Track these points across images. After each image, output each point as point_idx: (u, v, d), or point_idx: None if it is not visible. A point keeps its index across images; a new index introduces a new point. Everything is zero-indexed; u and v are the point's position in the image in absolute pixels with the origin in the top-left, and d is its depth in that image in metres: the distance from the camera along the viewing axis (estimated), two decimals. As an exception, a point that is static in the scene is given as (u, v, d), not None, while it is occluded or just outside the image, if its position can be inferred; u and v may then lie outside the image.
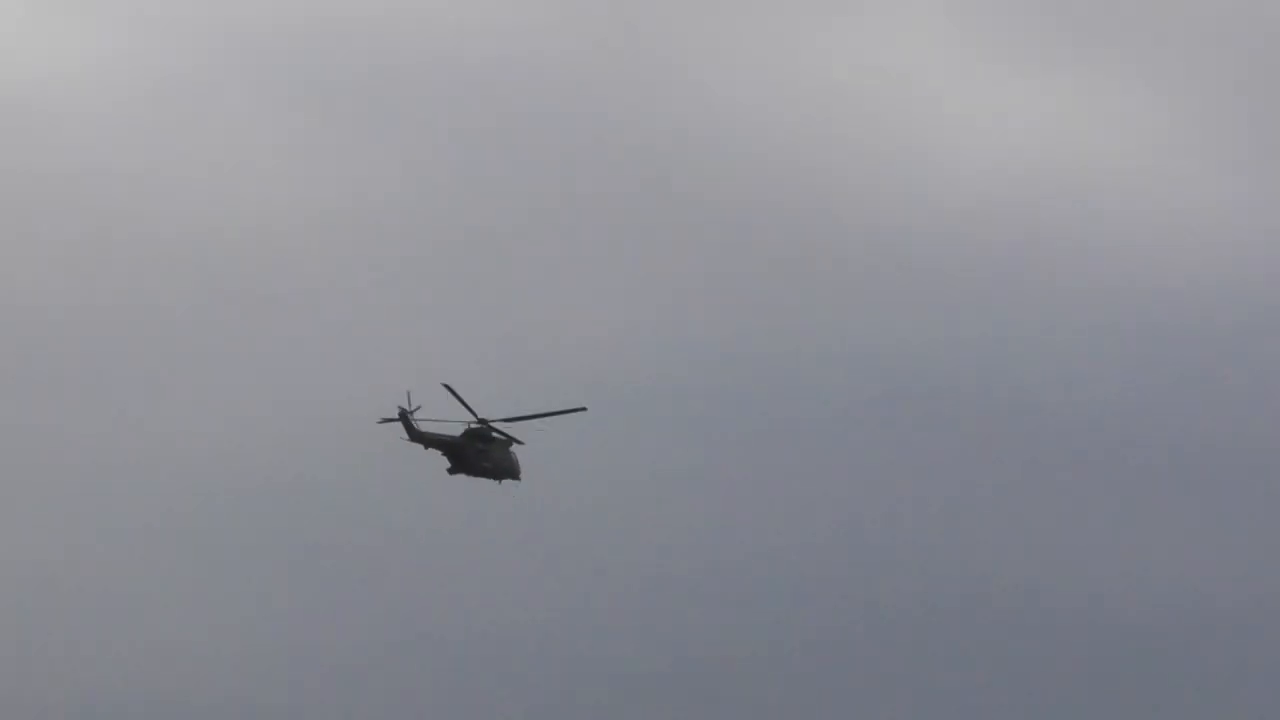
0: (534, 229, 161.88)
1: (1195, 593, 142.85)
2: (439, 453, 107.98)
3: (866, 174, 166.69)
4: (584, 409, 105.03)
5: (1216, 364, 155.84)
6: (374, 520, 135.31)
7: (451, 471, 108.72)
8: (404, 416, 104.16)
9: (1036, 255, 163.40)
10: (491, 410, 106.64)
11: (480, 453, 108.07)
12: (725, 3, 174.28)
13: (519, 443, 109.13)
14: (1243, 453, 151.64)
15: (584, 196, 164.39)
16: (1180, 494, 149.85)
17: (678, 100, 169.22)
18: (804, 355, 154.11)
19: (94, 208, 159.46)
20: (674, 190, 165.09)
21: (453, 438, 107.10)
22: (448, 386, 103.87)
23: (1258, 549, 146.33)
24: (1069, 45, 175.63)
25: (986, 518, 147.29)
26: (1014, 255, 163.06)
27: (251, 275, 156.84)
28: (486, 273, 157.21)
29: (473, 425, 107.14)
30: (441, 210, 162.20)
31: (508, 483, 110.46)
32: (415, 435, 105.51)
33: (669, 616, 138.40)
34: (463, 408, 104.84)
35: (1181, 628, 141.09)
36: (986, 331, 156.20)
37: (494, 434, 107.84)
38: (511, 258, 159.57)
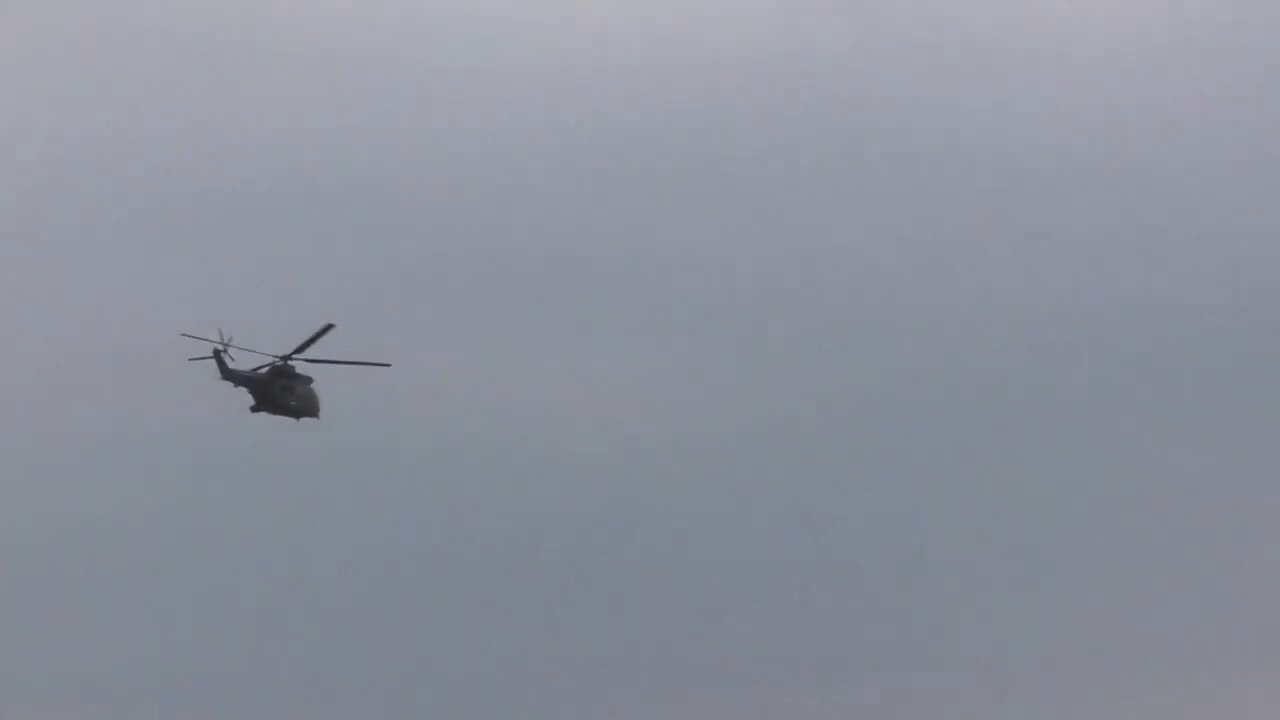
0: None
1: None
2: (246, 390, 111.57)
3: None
4: (388, 365, 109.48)
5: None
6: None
7: (254, 410, 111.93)
8: (218, 355, 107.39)
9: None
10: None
11: (285, 389, 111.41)
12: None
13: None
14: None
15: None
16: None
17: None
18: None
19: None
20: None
21: (260, 375, 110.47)
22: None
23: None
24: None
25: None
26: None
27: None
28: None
29: (277, 363, 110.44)
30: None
31: (306, 420, 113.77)
32: (226, 374, 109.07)
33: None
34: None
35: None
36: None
37: (297, 372, 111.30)
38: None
